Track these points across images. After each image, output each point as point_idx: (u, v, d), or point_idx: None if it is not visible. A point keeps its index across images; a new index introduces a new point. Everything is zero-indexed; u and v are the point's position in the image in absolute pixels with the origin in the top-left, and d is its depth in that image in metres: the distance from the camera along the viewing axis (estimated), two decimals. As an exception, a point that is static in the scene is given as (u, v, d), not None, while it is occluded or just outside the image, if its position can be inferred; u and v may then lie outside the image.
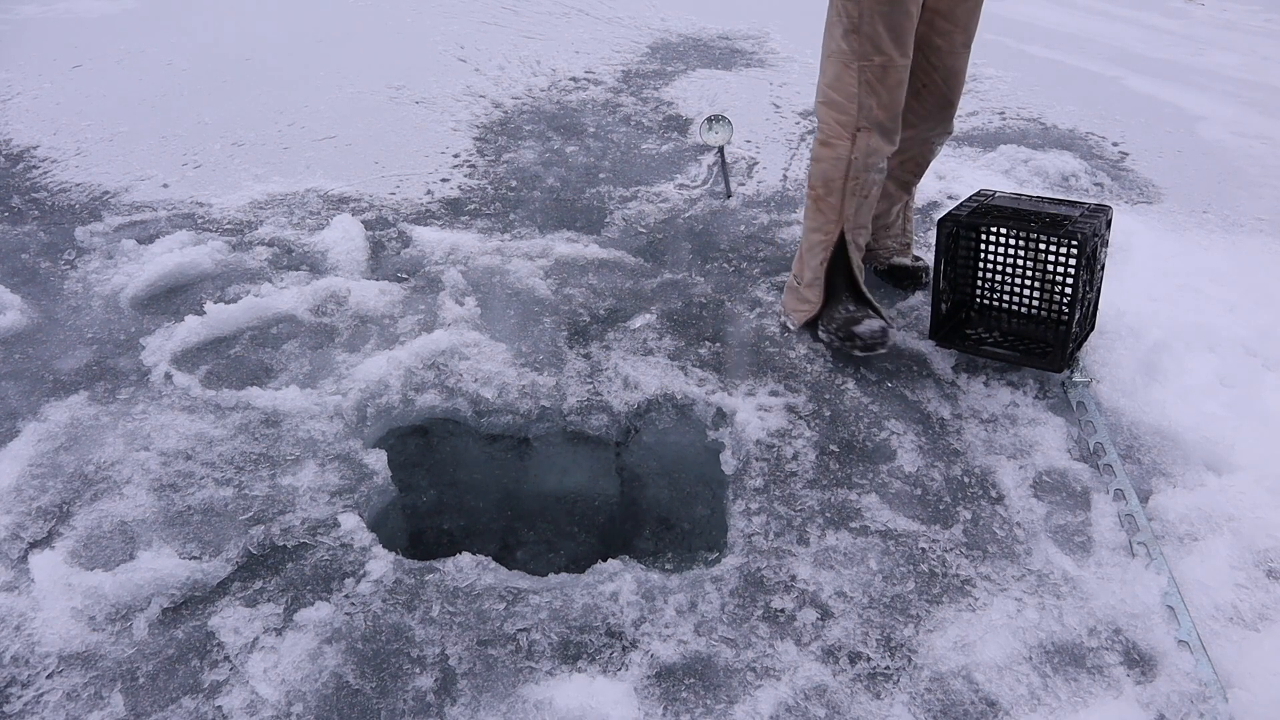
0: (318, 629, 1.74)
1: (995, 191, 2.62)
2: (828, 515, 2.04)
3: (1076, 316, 2.35)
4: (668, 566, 2.07)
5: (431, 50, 5.20)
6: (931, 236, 3.11)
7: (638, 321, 2.69)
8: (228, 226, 3.21)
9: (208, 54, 4.96)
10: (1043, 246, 2.44)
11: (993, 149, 4.05)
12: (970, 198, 2.59)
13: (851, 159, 2.42)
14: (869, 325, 2.45)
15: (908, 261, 2.91)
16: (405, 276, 2.91)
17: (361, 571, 1.86)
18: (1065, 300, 2.39)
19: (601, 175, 3.72)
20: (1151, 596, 1.86)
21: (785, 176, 3.73)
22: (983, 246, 2.56)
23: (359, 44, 5.27)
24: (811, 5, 6.08)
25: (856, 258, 2.56)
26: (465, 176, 3.68)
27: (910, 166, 2.80)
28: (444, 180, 3.64)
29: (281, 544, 1.92)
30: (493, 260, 2.97)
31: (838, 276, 2.56)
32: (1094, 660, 1.74)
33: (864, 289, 2.57)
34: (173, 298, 2.77)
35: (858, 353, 2.48)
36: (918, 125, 2.66)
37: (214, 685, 1.65)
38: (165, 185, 3.52)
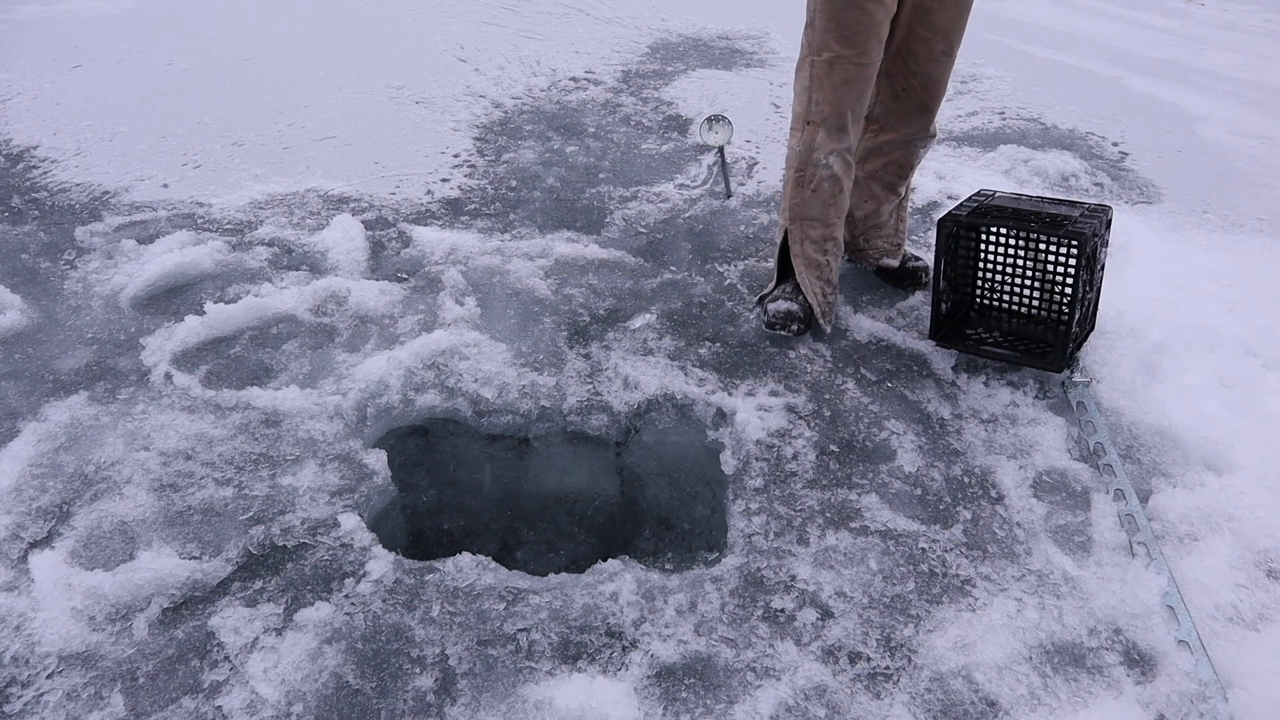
0: (318, 629, 1.74)
1: (995, 191, 2.62)
2: (828, 515, 2.04)
3: (1076, 316, 2.35)
4: (668, 566, 2.07)
5: (431, 50, 5.20)
6: (931, 236, 3.11)
7: (638, 321, 2.69)
8: (228, 226, 3.21)
9: (208, 54, 4.96)
10: (1043, 246, 2.44)
11: (993, 149, 4.05)
12: (970, 198, 2.59)
13: (799, 150, 2.53)
14: (777, 305, 2.63)
15: (895, 263, 2.90)
16: (405, 276, 2.91)
17: (361, 571, 1.86)
18: (1065, 300, 2.39)
19: (601, 175, 3.72)
20: (1151, 596, 1.86)
21: (785, 176, 3.73)
22: (983, 246, 2.56)
23: (359, 44, 5.27)
24: (811, 5, 6.03)
25: (803, 247, 2.62)
26: (465, 176, 3.68)
27: (894, 169, 2.78)
28: (444, 180, 3.64)
29: (281, 544, 1.92)
30: (493, 260, 2.97)
31: (786, 260, 2.70)
32: (1094, 660, 1.74)
33: (802, 275, 2.62)
34: (173, 298, 2.77)
35: (766, 328, 2.66)
36: (898, 128, 2.69)
37: (214, 685, 1.65)
38: (165, 185, 3.52)
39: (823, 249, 2.63)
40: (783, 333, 2.64)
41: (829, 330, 2.66)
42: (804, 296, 2.64)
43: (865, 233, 2.91)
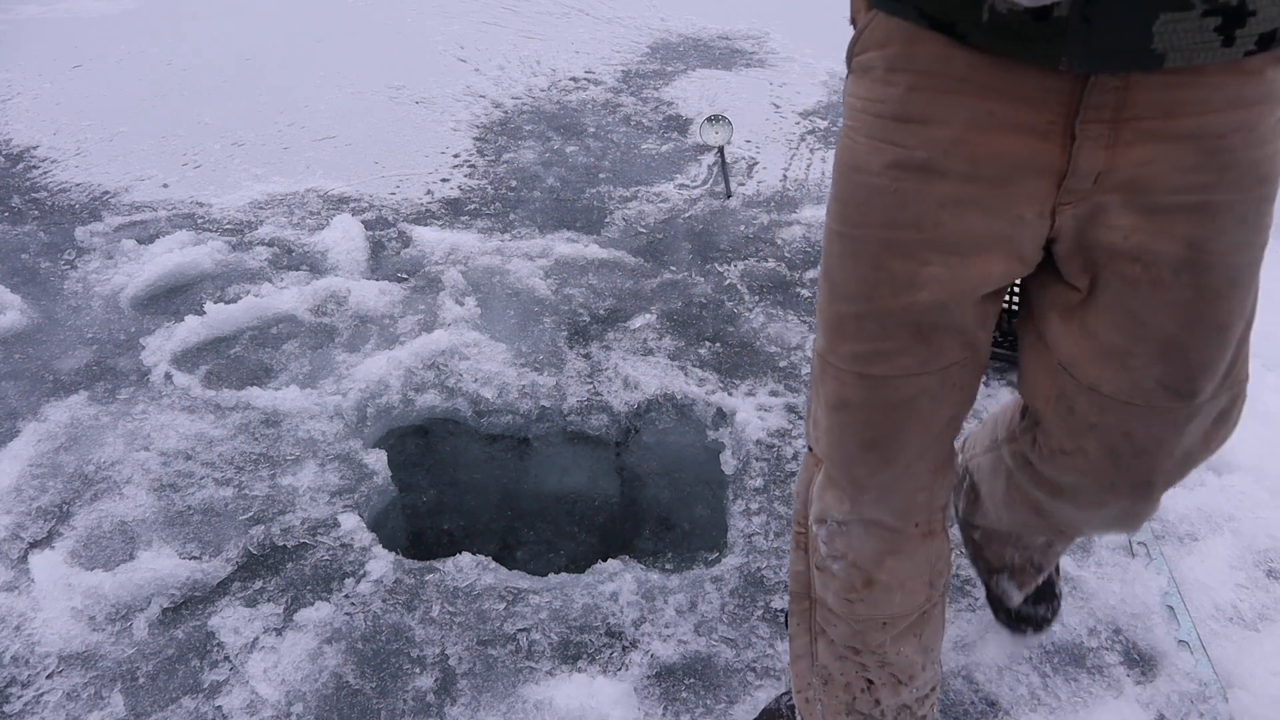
0: (318, 629, 1.74)
1: (995, 191, 2.62)
2: (828, 515, 2.04)
3: (1077, 317, 2.33)
4: (668, 566, 2.07)
5: (431, 50, 5.20)
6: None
7: (638, 321, 2.69)
8: (228, 226, 3.21)
9: (208, 54, 4.96)
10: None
11: (993, 149, 4.04)
12: (970, 198, 2.58)
13: (799, 483, 1.33)
14: None
15: (1017, 597, 1.64)
16: (405, 276, 2.91)
17: (361, 571, 1.87)
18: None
19: (601, 175, 3.72)
20: (1151, 596, 1.86)
21: (785, 176, 3.73)
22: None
23: (359, 44, 5.26)
24: (812, 5, 6.08)
25: (813, 645, 1.35)
26: (465, 176, 3.68)
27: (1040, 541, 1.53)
28: (444, 180, 3.64)
29: (281, 544, 1.92)
30: (493, 260, 2.97)
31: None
32: (1094, 660, 1.74)
33: (802, 697, 1.41)
34: (173, 298, 2.77)
35: None
36: (1073, 502, 1.23)
37: (214, 685, 1.65)
38: (165, 185, 3.52)
39: (853, 660, 1.30)
40: None
41: None
42: None
43: (1000, 541, 1.58)
